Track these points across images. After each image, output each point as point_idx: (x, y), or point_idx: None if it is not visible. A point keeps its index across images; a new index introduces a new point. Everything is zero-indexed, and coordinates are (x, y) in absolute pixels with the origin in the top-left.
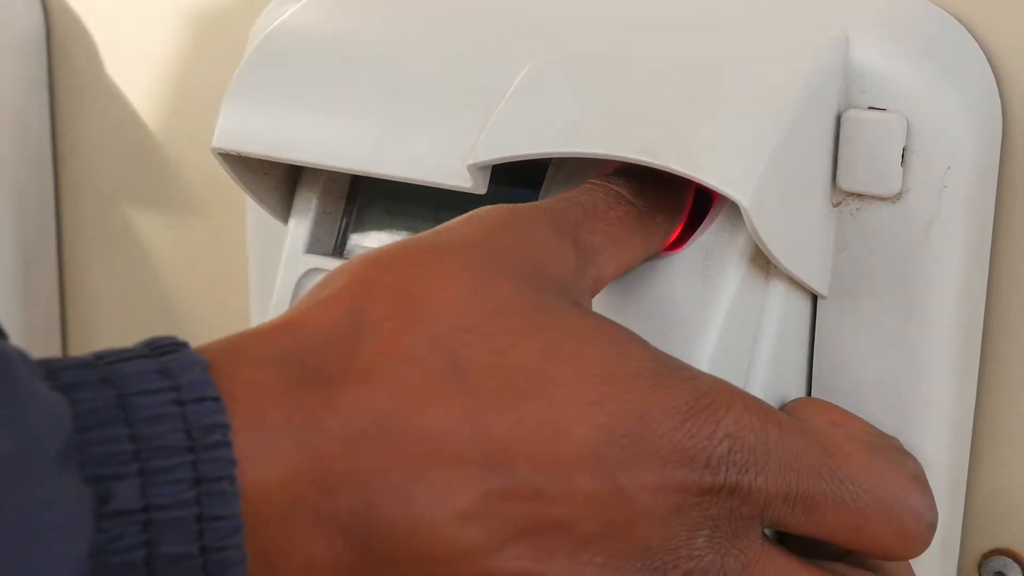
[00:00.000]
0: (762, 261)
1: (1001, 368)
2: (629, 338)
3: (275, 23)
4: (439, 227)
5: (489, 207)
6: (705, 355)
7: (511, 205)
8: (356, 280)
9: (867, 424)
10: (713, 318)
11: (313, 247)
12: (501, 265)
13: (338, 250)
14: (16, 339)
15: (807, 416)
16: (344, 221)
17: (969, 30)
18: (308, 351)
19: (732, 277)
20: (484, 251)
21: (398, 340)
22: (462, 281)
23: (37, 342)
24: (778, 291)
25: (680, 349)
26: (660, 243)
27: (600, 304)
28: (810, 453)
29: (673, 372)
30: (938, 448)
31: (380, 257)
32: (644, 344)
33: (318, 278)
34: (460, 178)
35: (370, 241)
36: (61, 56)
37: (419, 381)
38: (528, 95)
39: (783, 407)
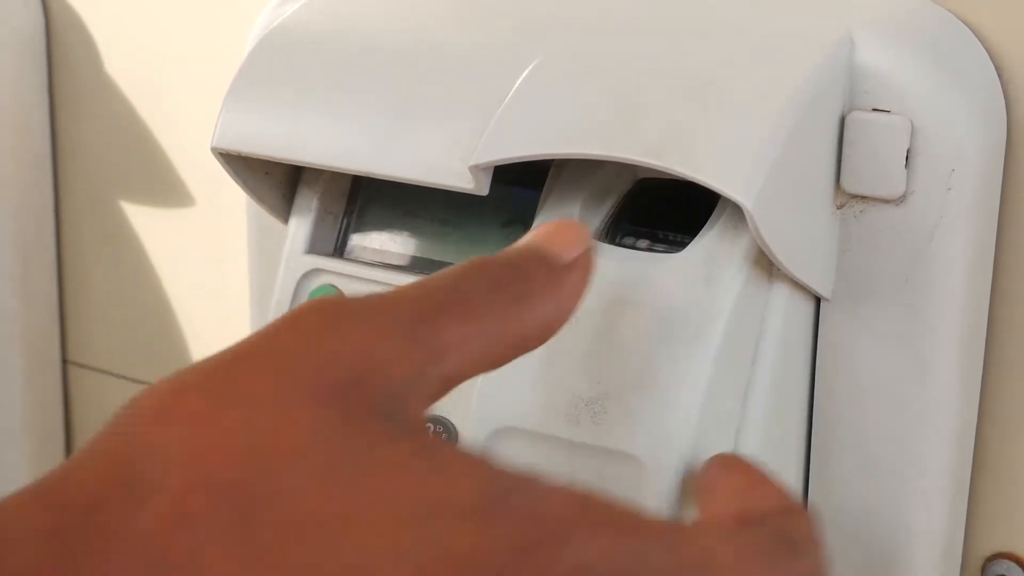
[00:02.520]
0: (765, 264)
1: (1005, 371)
2: (453, 463)
3: (276, 22)
4: (244, 341)
5: (317, 302)
6: (707, 360)
7: (343, 300)
8: (129, 428)
9: (779, 493)
10: (715, 322)
11: (314, 247)
12: (307, 387)
13: (339, 251)
14: (15, 338)
15: (712, 484)
16: (345, 221)
17: (974, 32)
18: (70, 523)
19: (734, 280)
20: (287, 374)
21: (177, 500)
22: (254, 418)
23: (36, 341)
24: (781, 294)
25: (682, 354)
26: (547, 334)
27: (598, 308)
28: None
29: (504, 501)
30: (941, 451)
31: (162, 394)
32: (473, 467)
33: (319, 279)
34: (462, 179)
35: (371, 241)
36: (60, 53)
37: (202, 545)
38: (530, 95)
39: (699, 468)
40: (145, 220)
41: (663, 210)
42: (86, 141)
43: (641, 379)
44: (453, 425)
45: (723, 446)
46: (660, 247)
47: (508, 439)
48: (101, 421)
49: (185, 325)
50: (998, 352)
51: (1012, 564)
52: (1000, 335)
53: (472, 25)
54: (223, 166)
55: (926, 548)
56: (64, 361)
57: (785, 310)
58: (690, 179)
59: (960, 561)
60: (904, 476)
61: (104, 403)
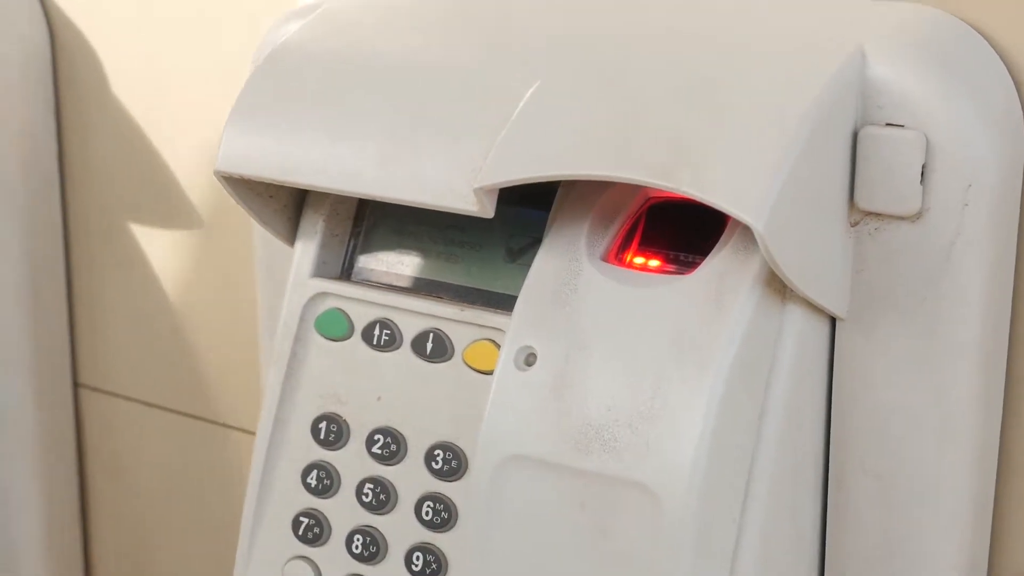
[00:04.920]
0: (778, 284)
1: None
2: None
3: (278, 43)
4: None
5: None
6: (719, 382)
7: None
8: None
9: None
10: (728, 344)
11: (320, 271)
12: None
13: (345, 273)
14: (25, 358)
15: None
16: (352, 243)
17: (989, 42)
18: None
19: (747, 301)
20: None
21: None
22: None
23: (47, 360)
24: (795, 314)
25: (693, 380)
26: None
27: (611, 329)
28: None
29: None
30: (963, 471)
31: None
32: None
33: (326, 303)
34: (468, 201)
35: (378, 263)
36: (66, 73)
37: None
38: (535, 115)
39: None
40: (153, 242)
41: (675, 228)
42: (93, 161)
43: (652, 406)
44: (463, 452)
45: (737, 472)
46: (672, 267)
47: (517, 468)
48: (111, 442)
49: (195, 347)
50: (1020, 369)
51: None
52: (1021, 354)
53: (475, 46)
54: (226, 189)
55: (949, 571)
56: (75, 384)
57: (799, 331)
58: (699, 200)
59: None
60: (925, 499)
61: (115, 425)
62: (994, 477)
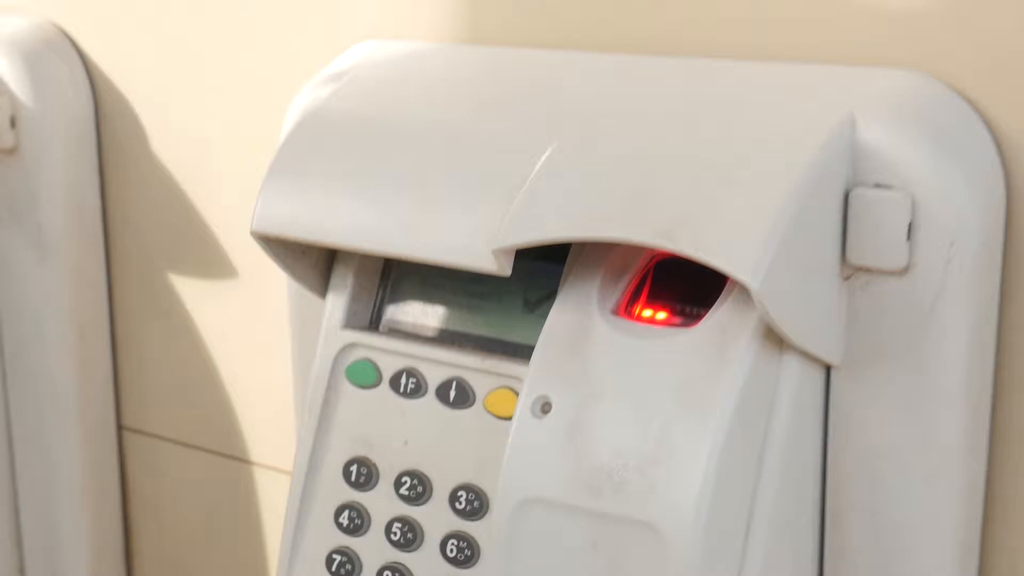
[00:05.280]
0: (775, 336)
1: (1012, 433)
2: None
3: (309, 109)
4: None
5: None
6: (721, 429)
7: None
8: None
9: None
10: (728, 392)
11: (350, 322)
12: None
13: (374, 324)
14: (72, 403)
15: None
16: (379, 295)
17: (973, 107)
18: None
19: (747, 352)
20: None
21: None
22: None
23: (92, 404)
24: (792, 363)
25: (696, 426)
26: None
27: (620, 378)
28: None
29: None
30: (950, 508)
31: None
32: None
33: (356, 353)
34: (486, 261)
35: (405, 315)
36: (110, 135)
37: None
38: (548, 180)
39: None
40: (192, 293)
41: (681, 282)
42: (135, 218)
43: (658, 451)
44: (485, 493)
45: (739, 512)
46: (678, 319)
47: (534, 509)
48: (153, 481)
49: (231, 391)
50: (1004, 414)
51: None
52: (1006, 398)
53: (495, 111)
54: (262, 248)
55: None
56: (119, 427)
57: (796, 379)
58: (699, 262)
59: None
60: (915, 535)
61: (156, 465)
62: (980, 514)
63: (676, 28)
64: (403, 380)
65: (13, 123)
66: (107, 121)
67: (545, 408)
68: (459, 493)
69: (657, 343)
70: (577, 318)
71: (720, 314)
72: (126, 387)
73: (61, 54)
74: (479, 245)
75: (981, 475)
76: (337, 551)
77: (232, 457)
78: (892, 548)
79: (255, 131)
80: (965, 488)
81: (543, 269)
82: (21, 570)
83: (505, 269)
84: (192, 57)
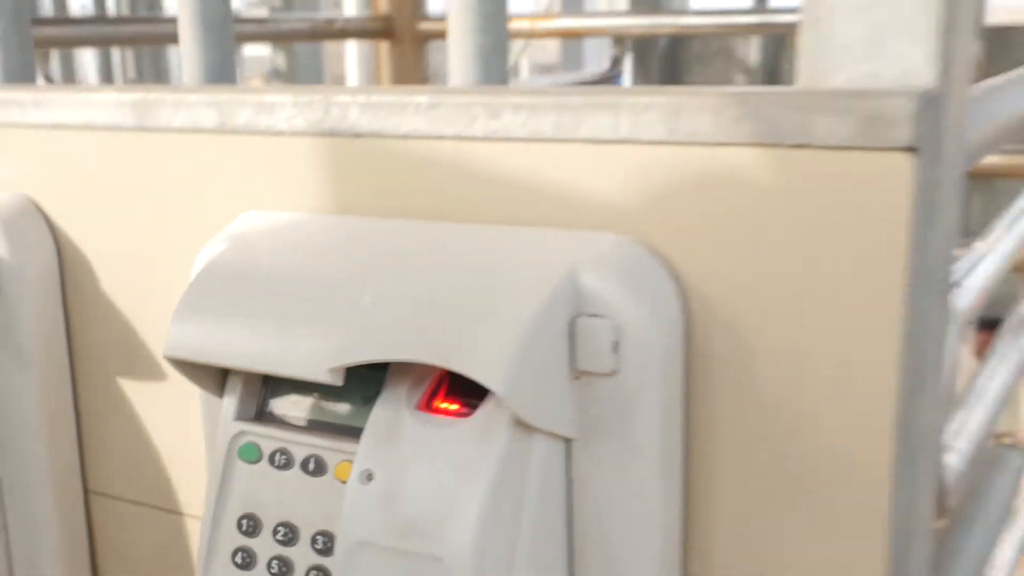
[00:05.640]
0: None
1: (699, 483)
2: None
3: (206, 263)
4: None
5: None
6: (486, 492)
7: None
8: None
9: None
10: (492, 464)
11: (240, 415)
12: None
13: (258, 416)
14: (45, 473)
15: None
16: (262, 394)
17: (660, 260)
18: None
19: (505, 434)
20: None
21: None
22: None
23: (63, 475)
24: (540, 440)
25: (469, 489)
26: None
27: (421, 456)
28: None
29: None
30: (655, 542)
31: None
32: None
33: (244, 439)
34: (325, 375)
35: (282, 409)
36: (71, 275)
37: None
38: (365, 316)
39: None
40: (142, 388)
41: (468, 381)
42: (94, 336)
43: (445, 508)
44: (335, 538)
45: (504, 550)
46: (465, 409)
47: (364, 549)
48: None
49: (172, 458)
50: (692, 472)
51: None
52: (693, 460)
53: (333, 265)
54: (173, 367)
55: None
56: (86, 491)
57: (544, 450)
58: (467, 375)
59: None
60: (634, 561)
61: (119, 523)
62: (679, 541)
63: (458, 203)
64: (277, 457)
65: None
66: (69, 267)
67: (369, 477)
68: (317, 537)
69: (445, 431)
70: (392, 412)
71: (487, 408)
72: (90, 458)
73: (33, 220)
74: (319, 364)
75: (677, 514)
76: None
77: (174, 511)
78: (618, 570)
79: (180, 272)
80: (665, 524)
81: (375, 374)
82: None
83: (338, 380)
84: (133, 221)
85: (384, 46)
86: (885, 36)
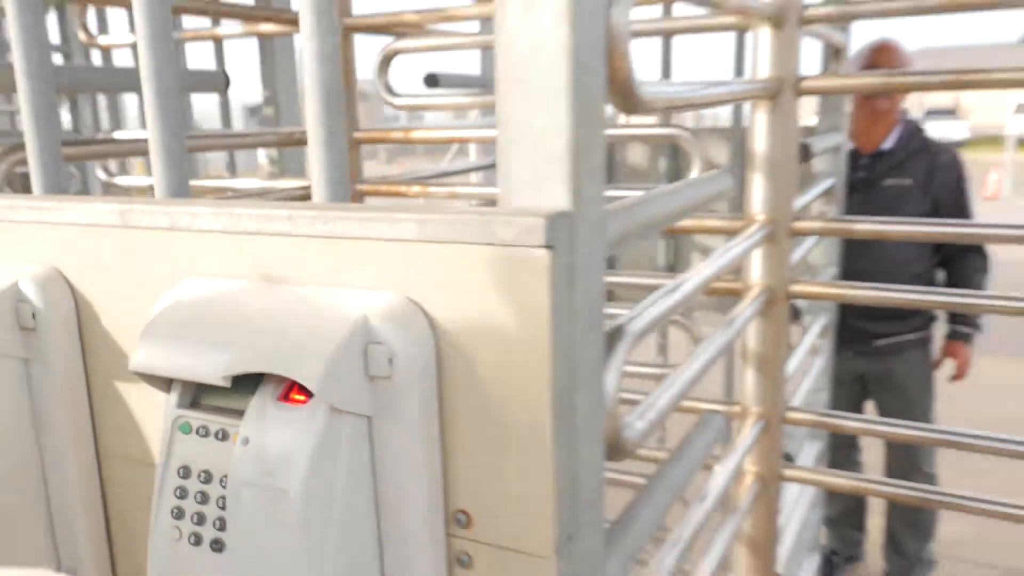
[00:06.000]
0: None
1: (452, 449)
2: None
3: (159, 310)
4: None
5: None
6: (312, 451)
7: None
8: None
9: None
10: (315, 434)
11: (180, 405)
12: None
13: (191, 404)
14: (66, 452)
15: None
16: (194, 391)
17: (420, 308)
18: None
19: (324, 415)
20: None
21: None
22: None
23: (80, 450)
24: (348, 417)
25: (301, 450)
26: None
27: (278, 429)
28: None
29: None
30: (424, 487)
31: None
32: None
33: (182, 419)
34: (221, 380)
35: (204, 399)
36: (85, 321)
37: None
38: (241, 343)
39: None
40: (129, 388)
41: None
42: (98, 355)
43: (288, 461)
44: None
45: (327, 494)
46: (306, 400)
47: (245, 486)
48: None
49: (150, 432)
50: (445, 434)
51: (463, 514)
52: (446, 434)
53: (228, 310)
54: (137, 376)
55: (425, 511)
56: (97, 453)
57: (352, 423)
58: (294, 379)
59: (442, 511)
60: (412, 501)
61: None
62: (441, 488)
63: (301, 273)
64: (201, 430)
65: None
66: (82, 311)
67: (246, 441)
68: (223, 478)
69: (292, 413)
70: (263, 401)
71: (316, 398)
72: (100, 431)
73: (58, 282)
74: (217, 373)
75: (439, 460)
76: (175, 507)
77: (144, 463)
78: (402, 510)
79: (147, 314)
80: (431, 467)
81: (256, 379)
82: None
83: (227, 383)
84: (121, 283)
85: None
86: (543, 181)
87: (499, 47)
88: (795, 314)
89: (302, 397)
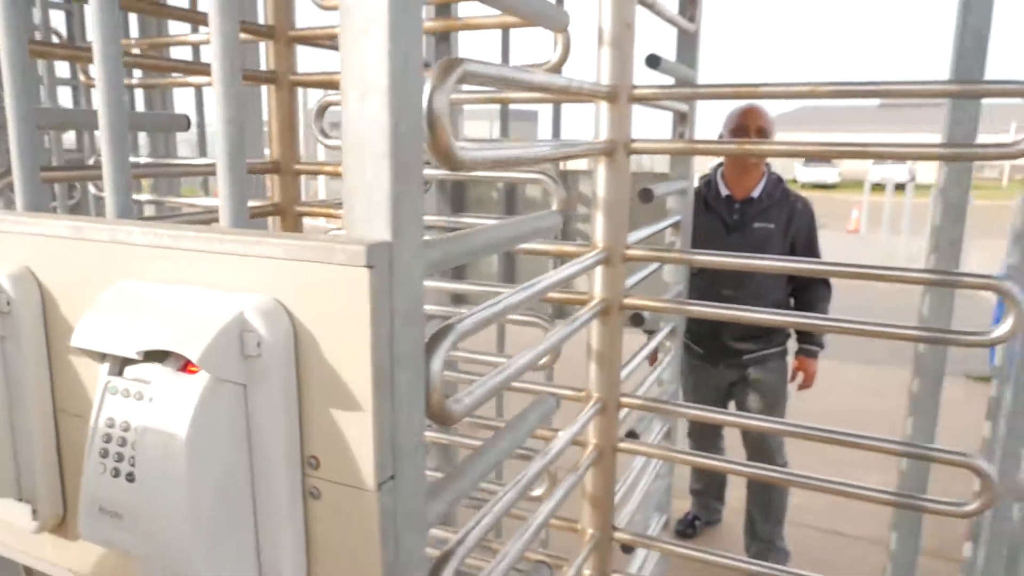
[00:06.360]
0: (219, 372)
1: (305, 406)
2: None
3: (101, 297)
4: None
5: None
6: (196, 408)
7: None
8: None
9: None
10: (200, 393)
11: (110, 372)
12: None
13: (119, 372)
14: (30, 407)
15: None
16: (121, 362)
17: (283, 305)
18: None
19: (207, 381)
20: None
21: None
22: None
23: (39, 405)
24: (228, 384)
25: (188, 407)
26: None
27: (172, 390)
28: None
29: None
30: (285, 445)
31: None
32: None
33: (112, 384)
34: (135, 355)
35: (128, 370)
36: (49, 307)
37: None
38: (148, 326)
39: None
40: (80, 359)
41: None
42: (57, 331)
43: (180, 414)
44: (144, 428)
45: (209, 435)
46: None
47: (149, 432)
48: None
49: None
50: (302, 399)
51: (314, 459)
52: (302, 394)
53: (141, 302)
54: (78, 350)
55: (286, 455)
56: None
57: (232, 389)
58: (183, 355)
59: (299, 455)
60: (277, 445)
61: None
62: (299, 445)
63: (197, 278)
64: (124, 392)
65: None
66: (47, 300)
67: (151, 400)
68: (139, 427)
69: (187, 379)
70: (167, 370)
71: (202, 371)
72: (57, 391)
73: (28, 279)
74: (132, 348)
75: (296, 418)
76: (102, 449)
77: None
78: (268, 454)
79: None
80: (289, 424)
81: (164, 353)
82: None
83: (140, 356)
84: (72, 280)
85: (275, 178)
86: (371, 219)
87: (344, 122)
88: (639, 321)
89: (196, 369)
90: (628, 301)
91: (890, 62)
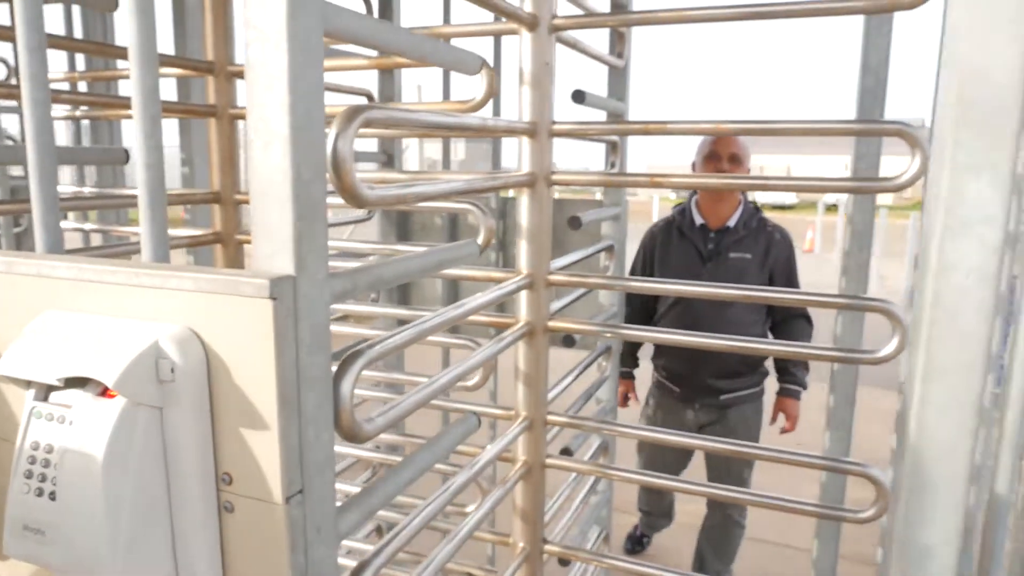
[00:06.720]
0: (139, 399)
1: (218, 423)
2: None
3: (29, 328)
4: None
5: None
6: (112, 433)
7: None
8: None
9: None
10: (116, 417)
11: (36, 398)
12: None
13: (44, 399)
14: None
15: None
16: (46, 388)
17: (196, 335)
18: None
19: (123, 406)
20: None
21: None
22: None
23: None
24: (144, 407)
25: (104, 428)
26: None
27: (89, 413)
28: None
29: None
30: (198, 456)
31: None
32: None
33: (38, 409)
34: (56, 381)
35: (52, 396)
36: None
37: None
38: (68, 355)
39: None
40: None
41: None
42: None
43: (97, 435)
44: (65, 449)
45: (125, 454)
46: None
47: (69, 452)
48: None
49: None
50: (215, 419)
51: (227, 475)
52: (215, 414)
53: (62, 332)
54: (2, 380)
55: (200, 473)
56: None
57: (148, 411)
58: (101, 380)
59: (213, 472)
60: (192, 463)
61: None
62: (211, 450)
63: (123, 310)
64: (47, 416)
65: None
66: None
67: (71, 423)
68: (60, 448)
69: (106, 404)
70: (87, 396)
71: (121, 395)
72: None
73: None
74: (54, 376)
75: (210, 437)
76: (27, 470)
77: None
78: (184, 472)
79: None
80: (203, 442)
81: (85, 380)
82: None
83: (60, 383)
84: (7, 309)
85: (216, 208)
86: (277, 255)
87: (250, 169)
88: (571, 342)
89: (115, 394)
90: (552, 324)
91: (809, 91)
